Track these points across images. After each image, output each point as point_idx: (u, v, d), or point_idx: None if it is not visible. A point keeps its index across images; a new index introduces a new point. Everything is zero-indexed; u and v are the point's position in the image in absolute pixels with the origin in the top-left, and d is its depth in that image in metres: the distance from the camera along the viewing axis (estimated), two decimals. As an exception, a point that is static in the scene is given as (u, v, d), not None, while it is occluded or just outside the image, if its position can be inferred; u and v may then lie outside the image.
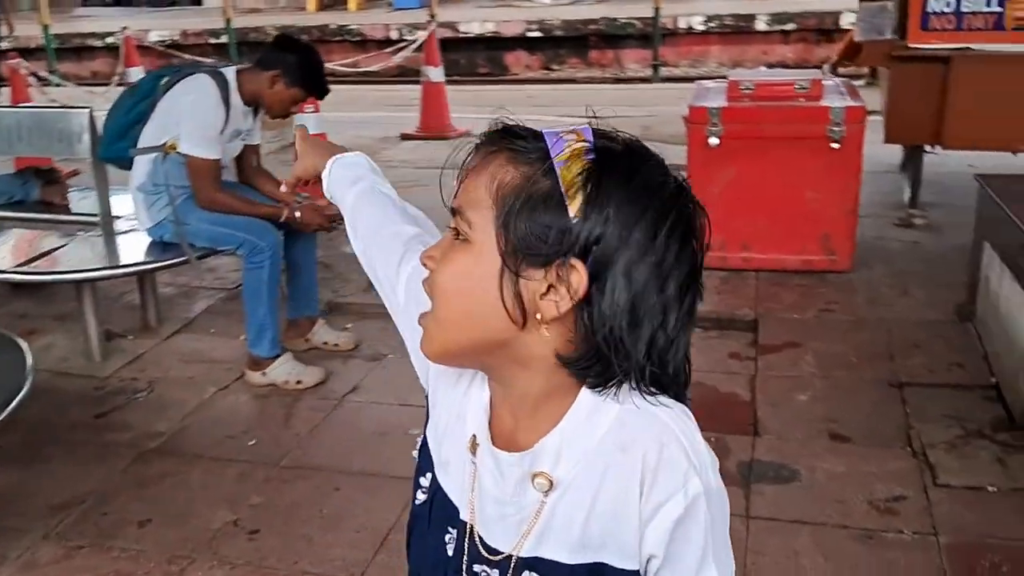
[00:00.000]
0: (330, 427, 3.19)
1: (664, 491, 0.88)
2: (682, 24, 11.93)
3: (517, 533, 0.94)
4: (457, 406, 1.01)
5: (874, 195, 4.96)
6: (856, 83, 5.28)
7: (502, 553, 0.95)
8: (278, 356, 3.47)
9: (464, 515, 0.98)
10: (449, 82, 7.79)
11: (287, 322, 3.74)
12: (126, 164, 3.52)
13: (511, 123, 0.90)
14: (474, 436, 0.97)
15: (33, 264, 3.52)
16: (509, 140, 0.89)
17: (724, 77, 4.71)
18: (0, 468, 2.96)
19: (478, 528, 0.97)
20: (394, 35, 12.19)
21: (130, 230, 3.65)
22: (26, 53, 9.32)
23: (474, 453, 0.96)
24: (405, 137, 7.51)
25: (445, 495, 1.00)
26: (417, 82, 7.92)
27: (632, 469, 0.89)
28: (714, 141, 4.16)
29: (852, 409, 3.17)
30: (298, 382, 3.46)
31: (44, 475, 2.91)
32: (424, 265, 0.93)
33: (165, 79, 3.46)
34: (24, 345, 2.71)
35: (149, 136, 3.43)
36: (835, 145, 4.06)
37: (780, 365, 3.52)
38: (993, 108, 4.35)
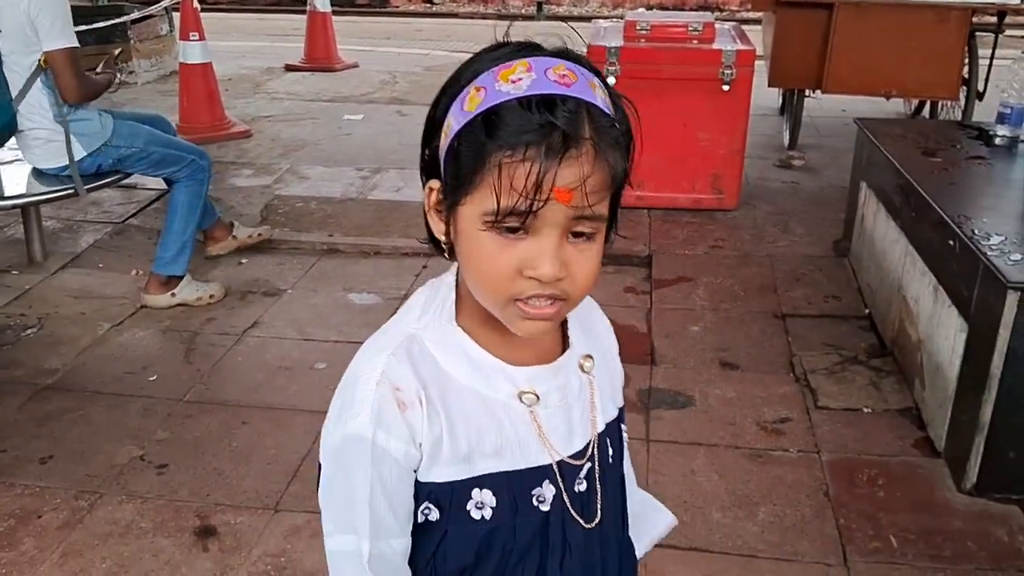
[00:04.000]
0: (233, 362, 3.15)
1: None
2: (565, -38, 11.92)
3: (587, 421, 1.02)
4: (471, 405, 0.95)
5: (757, 137, 5.16)
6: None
7: (585, 447, 1.01)
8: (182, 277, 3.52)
9: (546, 460, 0.98)
10: (334, 13, 7.60)
11: (204, 234, 3.85)
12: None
13: (590, 100, 0.84)
14: (518, 390, 0.96)
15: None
16: (600, 122, 0.85)
17: (619, 17, 4.77)
18: None
19: (564, 454, 0.99)
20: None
21: (14, 160, 3.47)
22: None
23: (524, 401, 0.96)
24: (289, 68, 7.32)
25: (521, 474, 0.97)
26: (301, 11, 7.70)
27: (595, 310, 1.10)
28: (611, 81, 4.23)
29: (740, 339, 3.35)
30: (211, 296, 3.53)
31: (-66, 413, 2.80)
32: (553, 281, 0.88)
33: None
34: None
35: (16, 68, 3.25)
36: (726, 87, 4.20)
37: (673, 298, 3.67)
38: (870, 55, 4.57)
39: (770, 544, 2.35)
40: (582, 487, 1.00)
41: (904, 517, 2.44)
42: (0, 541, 2.27)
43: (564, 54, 0.87)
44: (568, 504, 0.99)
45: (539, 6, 11.48)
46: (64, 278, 3.76)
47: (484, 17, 11.62)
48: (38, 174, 3.45)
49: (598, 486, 1.02)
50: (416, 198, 4.72)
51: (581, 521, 1.00)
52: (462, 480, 0.94)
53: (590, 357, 1.02)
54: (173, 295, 3.48)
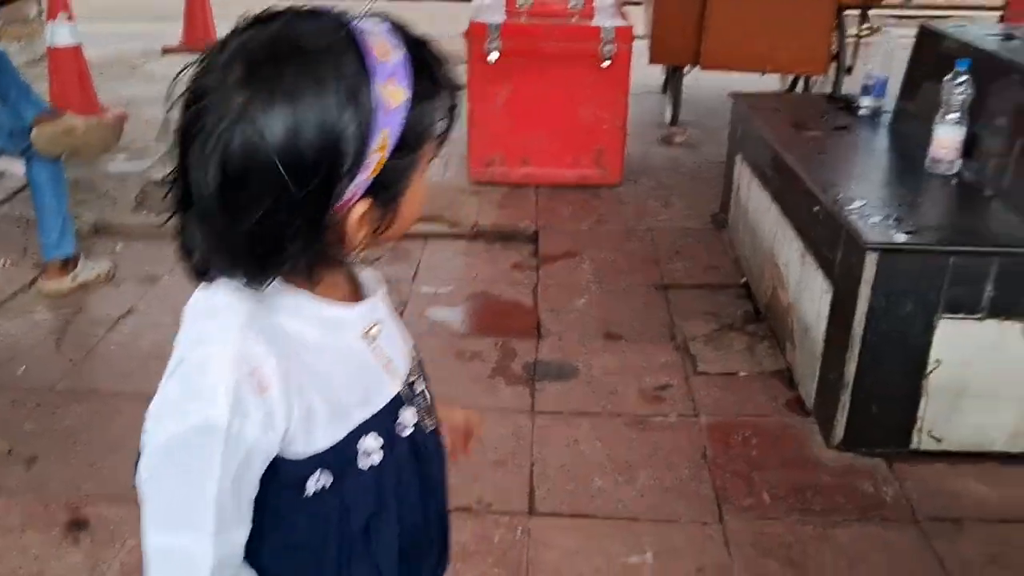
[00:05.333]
0: (106, 350, 3.05)
1: None
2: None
3: (403, 334, 1.07)
4: (329, 361, 0.95)
5: (640, 114, 5.24)
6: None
7: (410, 379, 1.05)
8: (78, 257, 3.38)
9: (396, 387, 1.02)
10: (214, -8, 7.39)
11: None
12: None
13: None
14: (364, 328, 0.98)
15: None
16: None
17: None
18: None
19: (404, 375, 1.03)
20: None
21: None
22: None
23: (368, 338, 0.99)
24: (167, 51, 7.09)
25: (386, 410, 1.00)
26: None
27: None
28: (493, 56, 4.24)
29: (624, 310, 3.41)
30: (108, 272, 3.46)
31: None
32: None
33: None
34: None
35: None
36: (606, 64, 4.25)
37: (559, 273, 3.71)
38: (745, 32, 4.69)
39: (650, 507, 2.40)
40: (421, 399, 1.05)
41: (776, 474, 2.53)
42: None
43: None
44: (422, 420, 1.03)
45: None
46: (-78, 269, 3.58)
47: (373, -1, 11.48)
48: None
49: (427, 391, 1.07)
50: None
51: (430, 426, 1.06)
52: (345, 437, 0.94)
53: (380, 282, 1.05)
54: (74, 277, 3.36)
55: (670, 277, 3.67)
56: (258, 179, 0.80)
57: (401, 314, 3.35)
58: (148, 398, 0.89)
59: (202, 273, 0.89)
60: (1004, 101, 2.66)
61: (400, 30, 0.87)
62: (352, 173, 0.82)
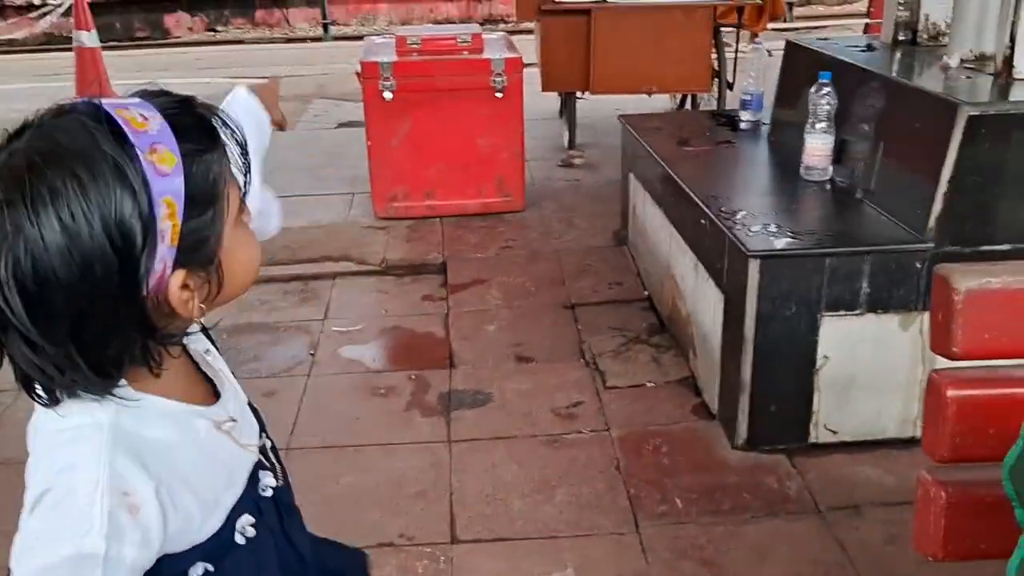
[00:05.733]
0: (13, 419, 3.01)
1: None
2: (349, -18, 11.94)
3: (243, 402, 1.08)
4: (192, 459, 0.94)
5: (539, 140, 5.38)
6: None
7: (261, 443, 1.09)
8: None
9: (252, 458, 1.05)
10: (105, 48, 7.32)
11: None
12: None
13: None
14: (213, 422, 0.98)
15: None
16: None
17: (391, 34, 4.87)
18: None
19: (256, 443, 1.07)
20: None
21: None
22: None
23: (221, 429, 0.99)
24: (62, 109, 6.97)
25: (249, 484, 1.03)
26: (68, 49, 7.36)
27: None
28: (388, 95, 4.31)
29: (534, 332, 3.50)
30: None
31: None
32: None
33: None
34: None
35: None
36: (499, 94, 4.36)
37: (469, 301, 3.78)
38: (630, 55, 4.86)
39: (568, 523, 2.47)
40: (272, 454, 1.10)
41: (687, 479, 2.63)
42: None
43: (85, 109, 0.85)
44: (278, 477, 1.08)
45: (325, 27, 11.45)
46: None
47: (272, 42, 11.48)
48: None
49: (269, 443, 1.12)
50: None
51: (281, 481, 1.09)
52: (222, 525, 0.96)
53: (208, 350, 1.06)
54: None
55: (577, 295, 3.77)
56: (58, 287, 0.78)
57: (312, 355, 3.38)
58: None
59: (49, 394, 0.86)
60: (865, 108, 2.84)
61: (153, 97, 0.86)
62: (150, 249, 0.80)
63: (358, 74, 4.38)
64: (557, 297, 3.77)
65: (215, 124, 0.89)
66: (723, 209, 2.79)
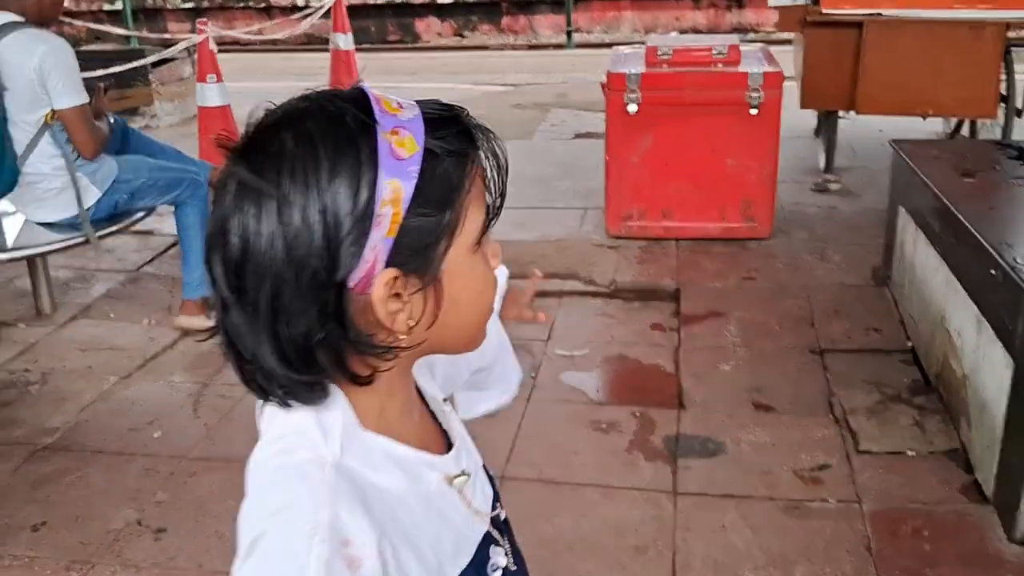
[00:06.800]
0: (241, 416, 3.03)
1: None
2: (595, -11, 11.85)
3: (479, 462, 0.96)
4: (418, 514, 0.83)
5: (790, 161, 4.96)
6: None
7: (494, 513, 0.95)
8: None
9: (482, 528, 0.92)
10: (358, 50, 7.57)
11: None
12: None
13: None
14: (444, 475, 0.87)
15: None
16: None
17: (641, 43, 4.65)
18: None
19: (489, 512, 0.94)
20: (300, 1, 11.82)
21: (17, 211, 3.40)
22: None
23: (455, 485, 0.88)
24: (314, 107, 7.28)
25: (478, 556, 0.90)
26: (325, 50, 7.68)
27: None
28: (633, 108, 4.09)
29: (775, 377, 3.16)
30: None
31: (-75, 480, 2.70)
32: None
33: None
34: None
35: (22, 125, 3.20)
36: (754, 111, 4.03)
37: (703, 335, 3.49)
38: (904, 73, 4.38)
39: (809, 608, 2.16)
40: (505, 527, 0.97)
41: (952, 572, 2.24)
42: (-19, 620, 2.16)
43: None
44: (509, 557, 0.94)
45: (569, 35, 11.41)
46: (73, 330, 3.67)
47: (515, 48, 11.58)
48: (46, 225, 3.39)
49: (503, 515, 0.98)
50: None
51: (514, 565, 0.96)
52: None
53: (445, 399, 0.97)
54: (211, 315, 3.41)
55: (827, 340, 3.38)
56: (258, 260, 0.72)
57: (534, 378, 3.21)
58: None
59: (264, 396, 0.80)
60: None
61: (424, 104, 0.80)
62: (360, 233, 0.72)
63: (603, 85, 4.19)
64: (804, 339, 3.40)
65: (477, 136, 0.80)
66: (1019, 259, 2.35)
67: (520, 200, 4.98)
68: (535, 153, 5.83)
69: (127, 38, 8.37)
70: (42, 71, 3.14)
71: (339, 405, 0.79)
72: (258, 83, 7.88)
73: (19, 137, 3.21)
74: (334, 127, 0.73)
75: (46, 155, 3.25)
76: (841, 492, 2.55)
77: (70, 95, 3.19)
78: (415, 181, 0.74)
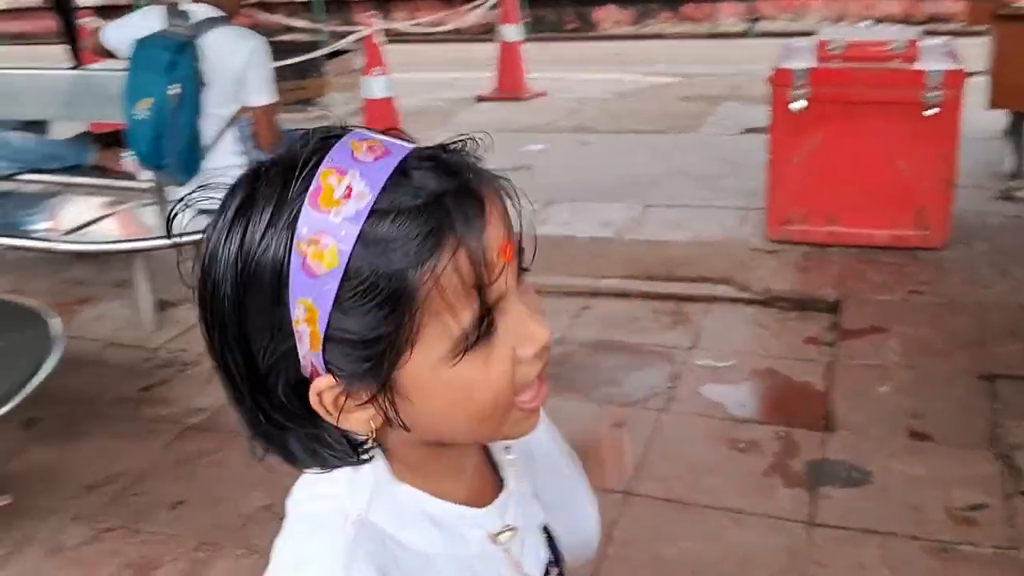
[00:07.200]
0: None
1: None
2: (782, -25, 11.38)
3: (537, 524, 0.86)
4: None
5: (973, 165, 4.55)
6: None
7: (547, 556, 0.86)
8: None
9: None
10: (535, 39, 7.58)
11: None
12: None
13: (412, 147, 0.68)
14: (492, 532, 0.78)
15: (84, 231, 3.48)
16: (462, 156, 0.70)
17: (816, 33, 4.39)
18: (37, 442, 2.94)
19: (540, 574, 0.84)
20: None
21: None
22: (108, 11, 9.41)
23: (499, 542, 0.79)
24: (481, 99, 7.34)
25: None
26: (493, 41, 7.73)
27: None
28: (798, 105, 3.87)
29: (936, 403, 2.91)
30: None
31: (81, 452, 2.87)
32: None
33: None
34: (50, 317, 2.64)
35: (214, 118, 3.35)
36: (931, 111, 3.72)
37: (861, 352, 3.25)
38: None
39: (950, 667, 1.96)
40: None
41: None
42: (113, 592, 2.27)
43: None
44: None
45: (752, 22, 11.02)
46: (232, 313, 3.83)
47: (694, 37, 11.30)
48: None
49: None
50: (585, 232, 4.57)
51: None
52: None
53: (507, 446, 0.83)
54: None
55: (1000, 365, 3.08)
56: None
57: (671, 388, 3.09)
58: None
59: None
60: None
61: (435, 155, 0.65)
62: (286, 342, 0.65)
63: (770, 79, 3.99)
64: (973, 363, 3.11)
65: (456, 218, 0.63)
66: None
67: (677, 198, 4.84)
68: (699, 148, 5.64)
69: (315, 30, 8.71)
70: (244, 68, 3.30)
71: (375, 453, 0.73)
72: (427, 74, 8.04)
73: (208, 130, 3.37)
74: (263, 219, 0.64)
75: (229, 149, 3.41)
76: (997, 536, 2.31)
77: (265, 93, 3.35)
78: (330, 301, 0.62)
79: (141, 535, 2.48)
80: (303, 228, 0.62)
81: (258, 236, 0.64)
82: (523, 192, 0.71)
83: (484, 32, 10.65)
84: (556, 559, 0.87)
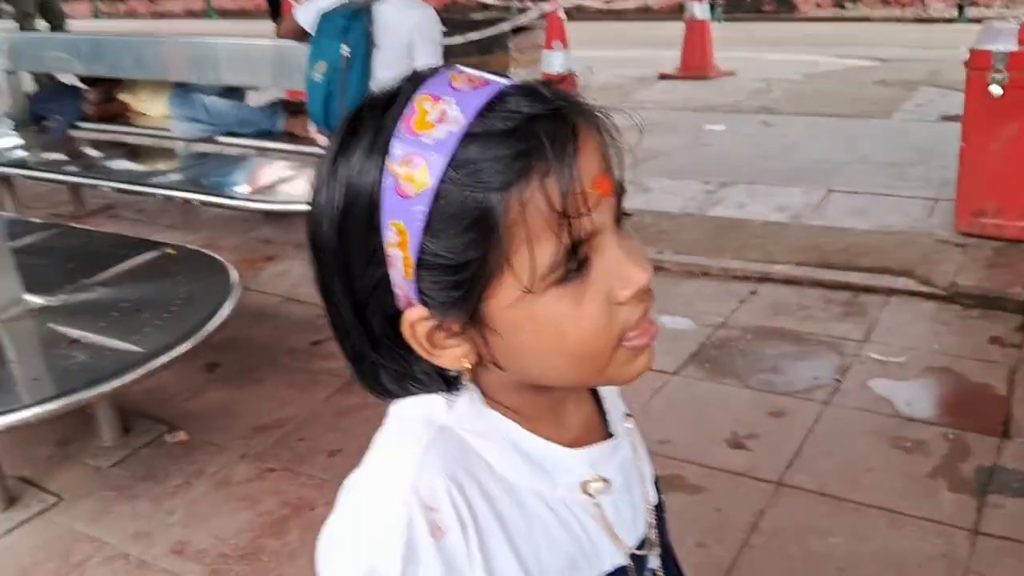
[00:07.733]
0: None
1: None
2: (1000, -44, 10.60)
3: (642, 496, 0.83)
4: (532, 511, 0.74)
5: None
6: None
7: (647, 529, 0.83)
8: None
9: (620, 560, 0.78)
10: (728, 19, 7.41)
11: None
12: None
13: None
14: (583, 479, 0.76)
15: (271, 192, 3.69)
16: (560, 91, 0.69)
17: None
18: (215, 385, 3.15)
19: (632, 544, 0.81)
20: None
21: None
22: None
23: (590, 491, 0.76)
24: (663, 77, 7.24)
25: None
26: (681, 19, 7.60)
27: None
28: (996, 90, 3.59)
29: None
30: None
31: (254, 396, 3.06)
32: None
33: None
34: (231, 269, 2.83)
35: (380, 80, 3.47)
36: None
37: (1051, 356, 3.02)
38: None
39: None
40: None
41: None
42: (271, 529, 2.40)
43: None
44: None
45: (960, 8, 10.33)
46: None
47: (899, 21, 10.71)
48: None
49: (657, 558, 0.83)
50: (759, 215, 4.41)
51: None
52: None
53: (630, 415, 0.82)
54: None
55: None
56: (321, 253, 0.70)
57: (838, 381, 2.96)
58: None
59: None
60: None
61: (533, 88, 0.65)
62: (379, 269, 0.66)
63: (967, 62, 3.73)
64: None
65: (546, 141, 0.62)
66: None
67: (863, 184, 4.62)
68: (890, 135, 5.35)
69: (506, 7, 8.82)
70: (412, 35, 3.40)
71: (469, 389, 0.73)
72: (612, 51, 8.00)
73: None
74: (360, 146, 0.67)
75: None
76: None
77: (432, 58, 3.44)
78: (421, 224, 0.63)
79: (301, 477, 2.62)
80: (396, 150, 0.64)
81: (356, 161, 0.65)
82: (628, 131, 0.70)
83: (675, 11, 10.50)
84: (661, 528, 0.85)
